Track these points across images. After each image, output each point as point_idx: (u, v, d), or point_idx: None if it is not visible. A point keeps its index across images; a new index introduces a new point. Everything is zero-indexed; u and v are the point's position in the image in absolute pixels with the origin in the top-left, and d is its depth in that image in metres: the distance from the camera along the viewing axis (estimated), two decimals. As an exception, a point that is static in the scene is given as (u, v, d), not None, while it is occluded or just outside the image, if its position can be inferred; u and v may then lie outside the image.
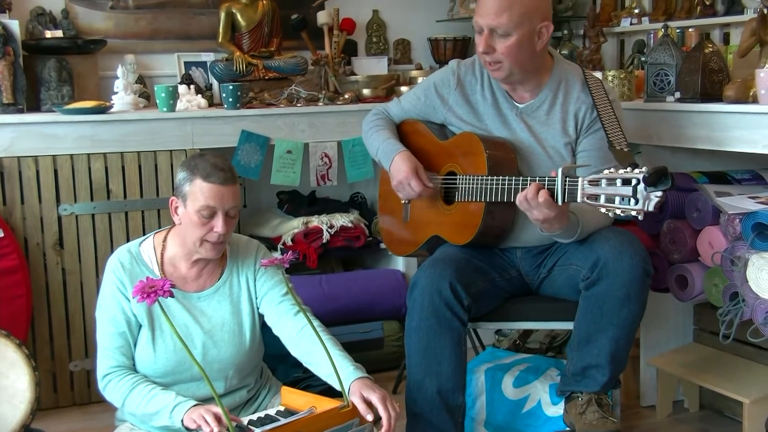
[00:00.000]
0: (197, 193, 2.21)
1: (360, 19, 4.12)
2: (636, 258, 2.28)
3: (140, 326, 2.29)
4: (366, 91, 3.68)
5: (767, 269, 2.35)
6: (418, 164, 2.52)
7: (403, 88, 3.62)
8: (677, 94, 2.77)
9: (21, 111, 3.14)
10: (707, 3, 3.51)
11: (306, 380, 2.85)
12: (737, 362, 2.85)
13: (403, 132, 2.71)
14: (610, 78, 3.09)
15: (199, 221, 2.22)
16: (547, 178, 2.18)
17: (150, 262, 2.32)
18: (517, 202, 2.21)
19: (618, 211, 2.00)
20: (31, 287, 3.00)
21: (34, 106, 3.31)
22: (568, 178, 2.11)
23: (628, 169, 1.99)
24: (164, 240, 2.35)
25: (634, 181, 1.97)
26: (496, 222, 2.44)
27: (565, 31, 3.97)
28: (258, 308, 2.40)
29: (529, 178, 2.23)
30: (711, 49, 2.71)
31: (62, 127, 3.05)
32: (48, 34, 3.40)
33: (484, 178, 2.37)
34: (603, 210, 2.03)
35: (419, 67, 4.15)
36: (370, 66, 4.06)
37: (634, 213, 1.97)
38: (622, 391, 2.71)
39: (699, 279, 2.67)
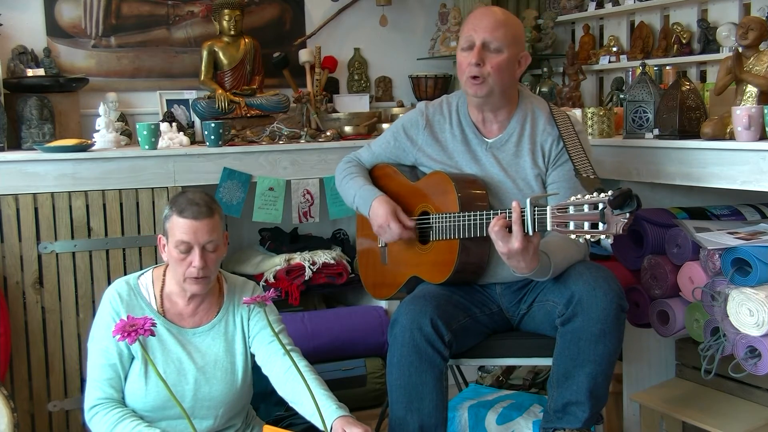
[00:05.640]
0: (174, 229, 2.24)
1: (342, 57, 4.16)
2: (610, 293, 2.28)
3: (132, 359, 2.29)
4: (348, 129, 3.69)
5: (747, 304, 2.36)
6: (396, 206, 2.55)
7: (385, 125, 3.64)
8: (656, 131, 2.80)
9: (2, 149, 3.13)
10: (684, 42, 3.57)
11: (288, 419, 2.82)
12: (720, 397, 2.84)
13: (375, 176, 2.75)
14: (589, 115, 3.12)
15: (178, 256, 2.24)
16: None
17: (147, 296, 2.33)
18: (489, 232, 2.22)
19: (588, 236, 2.02)
20: (10, 326, 2.96)
21: (15, 145, 3.30)
22: (536, 208, 2.14)
23: (595, 194, 2.02)
24: (163, 275, 2.36)
25: (600, 205, 2.00)
26: (472, 258, 2.45)
27: (545, 69, 4.02)
28: (250, 347, 2.40)
29: (499, 211, 2.25)
30: (688, 87, 2.74)
31: (43, 165, 3.03)
32: (29, 72, 3.40)
33: (456, 215, 2.39)
34: (573, 236, 2.05)
35: (401, 105, 4.17)
36: (352, 103, 4.08)
37: (603, 236, 2.00)
38: (605, 427, 2.70)
39: (680, 314, 2.68)
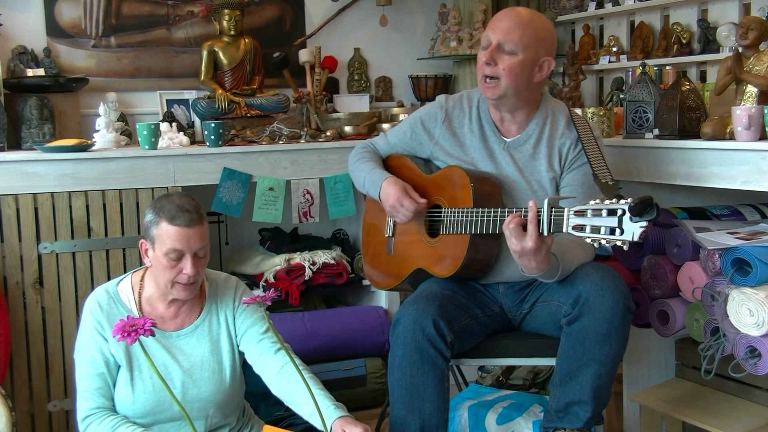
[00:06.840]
0: (164, 237, 2.19)
1: (342, 57, 4.15)
2: (617, 294, 2.28)
3: (119, 367, 2.27)
4: (348, 129, 3.69)
5: (747, 304, 2.36)
6: (406, 184, 2.54)
7: (385, 125, 3.64)
8: (656, 131, 2.80)
9: (2, 149, 3.13)
10: (684, 42, 3.57)
11: (288, 419, 2.82)
12: (720, 397, 2.85)
13: (388, 166, 2.73)
14: (590, 115, 3.12)
15: (168, 264, 2.20)
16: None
17: (128, 302, 2.30)
18: (504, 228, 2.22)
19: (603, 242, 2.01)
20: (10, 326, 2.96)
21: (15, 145, 3.30)
22: (554, 209, 2.13)
23: (614, 200, 2.01)
24: (141, 279, 2.34)
25: (619, 212, 1.99)
26: (480, 255, 2.44)
27: (545, 69, 4.00)
28: (238, 346, 2.38)
29: (515, 209, 2.24)
30: (688, 87, 2.74)
31: (43, 165, 3.03)
32: (29, 72, 3.40)
33: (470, 210, 2.38)
34: (588, 240, 2.04)
35: (400, 104, 4.17)
36: (352, 103, 4.08)
37: (619, 243, 1.99)
38: (605, 427, 2.70)
39: (680, 314, 2.68)
